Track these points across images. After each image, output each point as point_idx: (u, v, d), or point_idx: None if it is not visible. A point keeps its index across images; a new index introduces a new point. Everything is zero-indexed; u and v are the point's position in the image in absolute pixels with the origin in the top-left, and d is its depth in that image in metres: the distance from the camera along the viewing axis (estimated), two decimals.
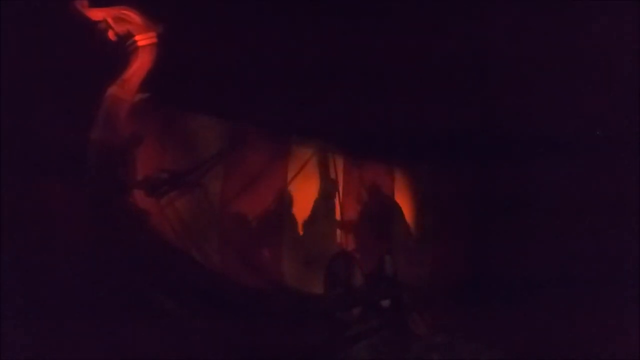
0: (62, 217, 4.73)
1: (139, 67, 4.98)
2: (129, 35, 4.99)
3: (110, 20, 4.91)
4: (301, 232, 5.68)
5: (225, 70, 5.32)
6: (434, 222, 5.73)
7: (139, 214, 4.91)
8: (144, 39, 5.00)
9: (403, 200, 5.81)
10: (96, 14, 4.89)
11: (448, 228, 5.64)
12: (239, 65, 5.38)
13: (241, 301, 5.05)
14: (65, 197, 4.74)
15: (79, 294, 4.49)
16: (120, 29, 4.95)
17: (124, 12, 4.97)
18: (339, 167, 5.80)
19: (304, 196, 5.74)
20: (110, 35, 4.94)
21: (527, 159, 5.23)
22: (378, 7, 5.48)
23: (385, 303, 5.32)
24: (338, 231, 5.73)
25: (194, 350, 4.71)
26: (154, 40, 5.02)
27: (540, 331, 4.86)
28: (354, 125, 5.68)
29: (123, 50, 5.00)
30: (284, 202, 5.68)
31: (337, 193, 5.74)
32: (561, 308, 4.85)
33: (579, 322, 4.73)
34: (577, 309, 4.74)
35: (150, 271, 4.82)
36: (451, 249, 5.59)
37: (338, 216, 5.73)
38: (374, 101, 5.67)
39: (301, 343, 5.04)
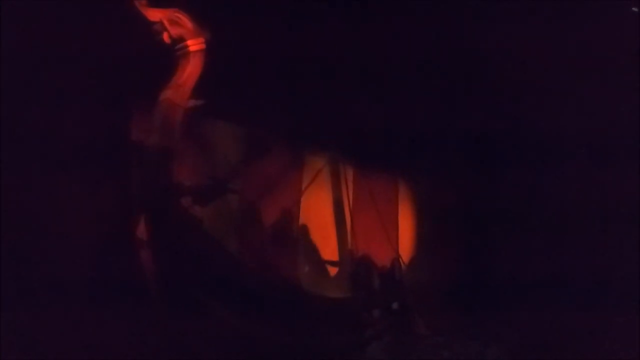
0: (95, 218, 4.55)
1: (192, 72, 4.90)
2: (180, 40, 4.93)
3: (166, 22, 4.82)
4: (314, 238, 5.93)
5: (245, 80, 5.47)
6: (434, 228, 6.26)
7: (193, 218, 4.87)
8: (195, 44, 4.95)
9: (406, 209, 6.31)
10: (154, 15, 4.77)
11: (448, 234, 6.18)
12: (258, 78, 5.55)
13: (275, 302, 5.20)
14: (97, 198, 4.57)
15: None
16: (175, 31, 4.87)
17: (177, 15, 4.89)
18: (349, 178, 6.15)
19: (317, 204, 6.01)
20: (165, 37, 4.85)
21: (525, 166, 5.67)
22: (388, 21, 5.69)
23: (395, 305, 5.77)
24: (349, 237, 6.06)
25: (225, 344, 4.78)
26: (204, 46, 5.00)
27: (538, 332, 5.15)
28: (363, 139, 6.09)
29: (173, 54, 4.93)
30: (299, 209, 5.90)
31: (347, 201, 6.09)
32: (559, 309, 5.12)
33: (577, 323, 4.98)
34: (575, 309, 4.99)
35: (198, 272, 4.83)
36: (451, 254, 6.12)
37: (349, 223, 6.07)
38: (380, 117, 6.09)
39: (326, 343, 5.31)
